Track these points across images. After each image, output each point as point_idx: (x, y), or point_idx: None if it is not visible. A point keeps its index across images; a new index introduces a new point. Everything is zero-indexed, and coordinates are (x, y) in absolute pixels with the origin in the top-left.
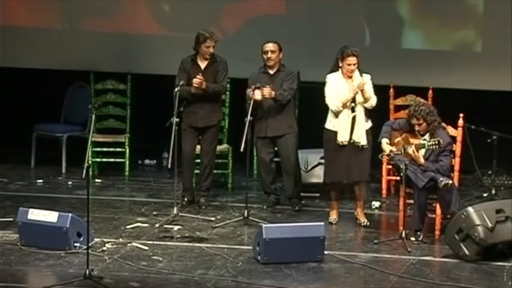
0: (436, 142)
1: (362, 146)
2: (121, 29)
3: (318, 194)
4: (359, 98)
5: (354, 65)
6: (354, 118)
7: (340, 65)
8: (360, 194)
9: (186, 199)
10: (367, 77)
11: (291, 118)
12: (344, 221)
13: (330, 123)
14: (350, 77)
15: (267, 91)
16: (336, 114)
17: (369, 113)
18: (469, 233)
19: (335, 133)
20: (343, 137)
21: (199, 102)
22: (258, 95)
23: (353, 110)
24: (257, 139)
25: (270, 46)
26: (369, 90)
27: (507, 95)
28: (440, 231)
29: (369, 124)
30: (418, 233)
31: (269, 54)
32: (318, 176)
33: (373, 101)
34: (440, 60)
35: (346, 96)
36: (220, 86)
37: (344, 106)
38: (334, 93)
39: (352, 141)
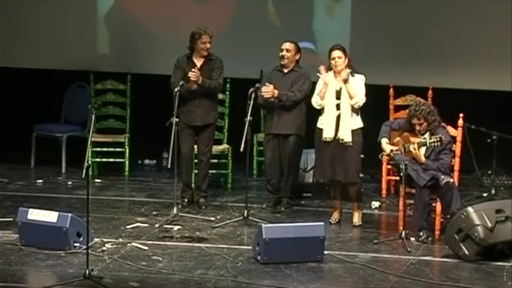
0: (438, 139)
1: (346, 143)
2: (122, 29)
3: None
4: (344, 96)
5: (339, 58)
6: (339, 116)
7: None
8: (351, 194)
9: (185, 200)
10: (359, 77)
11: (298, 119)
12: (344, 221)
13: (319, 121)
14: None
15: (266, 91)
16: (322, 112)
17: (361, 113)
18: (469, 233)
19: (322, 130)
20: (327, 133)
21: (196, 100)
22: (267, 92)
23: (338, 107)
24: (265, 135)
25: (286, 45)
26: (355, 88)
27: (507, 95)
28: (440, 231)
29: (358, 124)
30: (421, 233)
31: (283, 53)
32: None
33: (358, 99)
34: (440, 60)
35: (322, 89)
36: (216, 83)
37: (322, 98)
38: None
39: (337, 138)
